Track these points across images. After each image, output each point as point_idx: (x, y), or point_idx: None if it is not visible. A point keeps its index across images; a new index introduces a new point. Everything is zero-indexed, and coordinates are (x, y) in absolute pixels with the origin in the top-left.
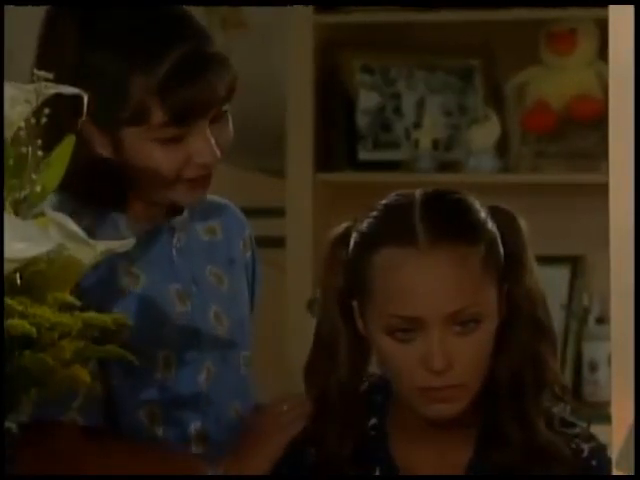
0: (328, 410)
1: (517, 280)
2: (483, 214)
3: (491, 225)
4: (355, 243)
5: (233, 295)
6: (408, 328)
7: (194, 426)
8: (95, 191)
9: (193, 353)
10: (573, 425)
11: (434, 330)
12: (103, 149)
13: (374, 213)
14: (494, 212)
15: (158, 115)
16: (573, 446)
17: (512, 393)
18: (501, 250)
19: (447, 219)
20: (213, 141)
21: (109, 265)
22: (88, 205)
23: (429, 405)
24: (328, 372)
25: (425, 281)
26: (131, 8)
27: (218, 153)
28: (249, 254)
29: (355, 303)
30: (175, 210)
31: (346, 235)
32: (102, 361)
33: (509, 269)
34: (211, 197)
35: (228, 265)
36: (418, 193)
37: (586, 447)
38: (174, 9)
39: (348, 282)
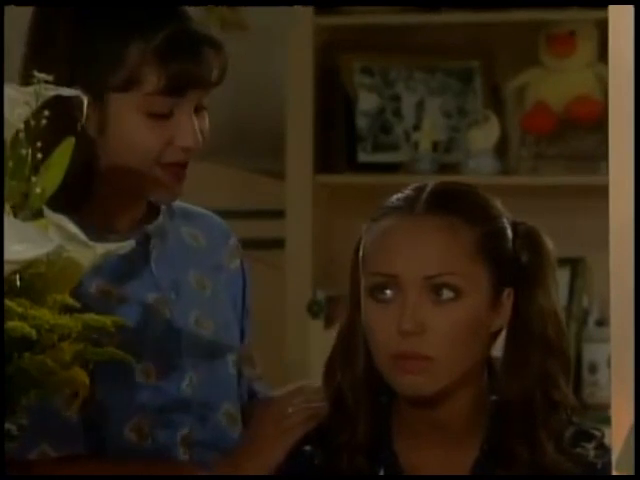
0: (343, 406)
1: (529, 295)
2: (497, 210)
3: (503, 223)
4: (366, 226)
5: (217, 300)
6: (386, 289)
7: (181, 433)
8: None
9: (174, 360)
10: (588, 438)
11: (409, 292)
12: (90, 124)
13: (391, 198)
14: (519, 225)
15: (152, 81)
16: (578, 451)
17: (521, 412)
18: (506, 249)
19: (450, 197)
20: (196, 127)
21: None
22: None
23: (401, 377)
24: (344, 370)
25: (409, 242)
26: None
27: (200, 140)
28: (237, 262)
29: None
30: (149, 216)
31: (362, 235)
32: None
33: (521, 280)
34: (192, 207)
35: (213, 271)
36: (433, 181)
37: (598, 459)
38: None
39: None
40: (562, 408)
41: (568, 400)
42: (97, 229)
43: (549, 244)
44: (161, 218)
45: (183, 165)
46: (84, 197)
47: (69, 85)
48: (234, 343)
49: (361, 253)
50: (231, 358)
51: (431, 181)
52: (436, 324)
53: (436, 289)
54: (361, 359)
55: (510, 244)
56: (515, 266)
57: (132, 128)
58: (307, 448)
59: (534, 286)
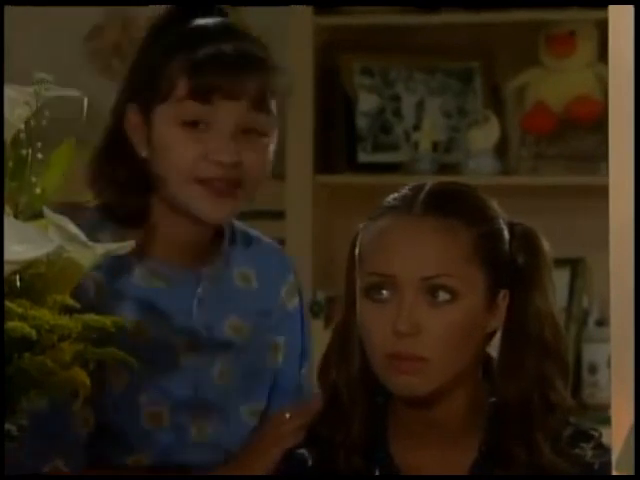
0: (338, 404)
1: (525, 297)
2: (494, 211)
3: (500, 225)
4: (363, 225)
5: (251, 347)
6: (383, 289)
7: None
8: (123, 202)
9: (188, 409)
10: (586, 438)
11: (406, 292)
12: (140, 144)
13: (388, 198)
14: (516, 226)
15: (183, 88)
16: (577, 451)
17: (518, 414)
18: (503, 251)
19: (448, 198)
20: (234, 144)
21: (115, 309)
22: (109, 221)
23: (396, 377)
24: (339, 368)
25: (406, 243)
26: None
27: (236, 157)
28: (296, 301)
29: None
30: (210, 255)
31: (358, 233)
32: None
33: (518, 282)
34: (258, 239)
35: (257, 316)
36: (431, 181)
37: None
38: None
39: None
40: (559, 410)
41: (565, 402)
42: (161, 261)
43: (545, 245)
44: (219, 261)
45: (221, 180)
46: (143, 216)
47: (127, 103)
48: (253, 394)
49: (357, 252)
50: (245, 409)
51: (428, 181)
52: (431, 326)
53: (432, 291)
54: (357, 358)
55: (507, 245)
56: (511, 267)
57: (169, 139)
58: (301, 451)
59: (530, 288)
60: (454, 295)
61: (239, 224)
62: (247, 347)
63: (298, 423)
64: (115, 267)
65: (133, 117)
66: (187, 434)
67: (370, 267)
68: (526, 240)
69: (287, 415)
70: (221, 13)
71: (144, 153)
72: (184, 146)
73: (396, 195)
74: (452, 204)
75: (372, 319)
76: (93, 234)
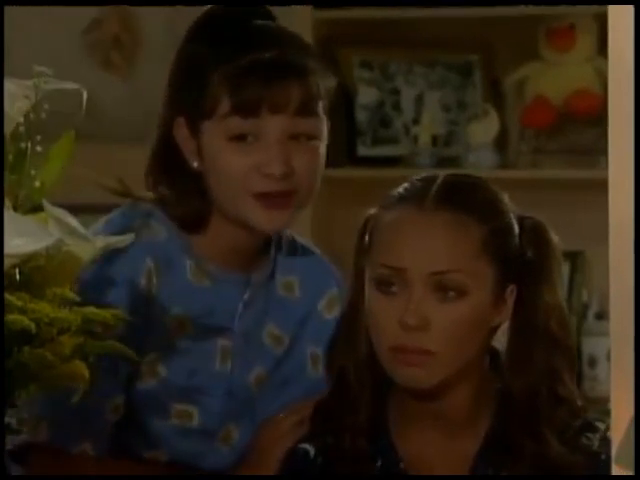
0: (346, 388)
1: (535, 290)
2: (505, 205)
3: (510, 219)
4: (374, 212)
5: (291, 356)
6: (393, 282)
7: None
8: (184, 207)
9: (218, 413)
10: (593, 429)
11: (416, 286)
12: (191, 156)
13: (399, 187)
14: (525, 219)
15: (226, 104)
16: (582, 441)
17: (526, 407)
18: (512, 246)
19: (460, 192)
20: (284, 155)
21: (163, 302)
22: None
23: (401, 369)
24: (347, 351)
25: (418, 236)
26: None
27: (286, 168)
28: (335, 313)
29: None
30: (260, 261)
31: (368, 220)
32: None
33: (527, 276)
34: (304, 248)
35: (298, 325)
36: (443, 173)
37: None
38: (274, 23)
39: (365, 256)
40: (567, 403)
41: (573, 396)
42: (212, 261)
43: (555, 239)
44: (268, 268)
45: (276, 195)
46: (205, 225)
47: (175, 116)
48: (291, 403)
49: (367, 240)
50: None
51: (440, 172)
52: (439, 320)
53: (442, 285)
54: (364, 343)
55: (516, 240)
56: (520, 262)
57: (218, 154)
58: (303, 446)
59: (540, 282)
60: (463, 291)
61: (287, 232)
62: (286, 356)
63: (295, 420)
64: (168, 262)
65: (181, 130)
66: (214, 437)
67: (381, 259)
68: (535, 234)
69: (281, 414)
70: (266, 15)
71: (196, 164)
72: (234, 160)
73: (407, 186)
74: (464, 198)
75: (380, 310)
76: (159, 230)
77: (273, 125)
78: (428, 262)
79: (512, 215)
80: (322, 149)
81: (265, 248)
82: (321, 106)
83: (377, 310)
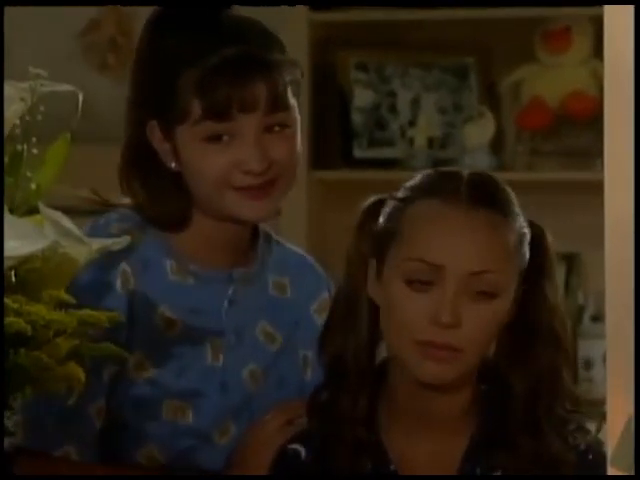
0: (343, 375)
1: (539, 291)
2: (516, 205)
3: (524, 221)
4: (392, 197)
5: (284, 356)
6: (427, 280)
7: None
8: (163, 209)
9: (213, 408)
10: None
11: (452, 284)
12: (167, 158)
13: (414, 179)
14: (529, 223)
15: (197, 109)
16: (570, 440)
17: (526, 403)
18: (527, 251)
19: (490, 191)
20: (261, 150)
21: (148, 304)
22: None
23: (422, 363)
24: (346, 337)
25: (457, 234)
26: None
27: (265, 163)
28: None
29: (373, 261)
30: (244, 258)
31: (377, 204)
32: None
33: (530, 277)
34: (294, 251)
35: (290, 326)
36: (465, 169)
37: (582, 443)
38: (236, 13)
39: (374, 242)
40: (565, 400)
41: (572, 393)
42: (193, 260)
43: (549, 238)
44: (254, 265)
45: (257, 187)
46: (185, 225)
47: (146, 119)
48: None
49: (381, 228)
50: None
51: (463, 169)
52: (471, 319)
53: (476, 285)
54: (364, 328)
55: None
56: (529, 268)
57: (196, 156)
58: (293, 446)
59: (544, 282)
60: (495, 291)
61: (277, 238)
62: (281, 355)
63: (283, 420)
64: (146, 263)
65: (155, 133)
66: (211, 434)
67: (415, 252)
68: (538, 236)
69: (269, 415)
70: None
71: (173, 165)
72: (212, 160)
73: (425, 179)
74: (498, 198)
75: (409, 306)
76: (136, 234)
77: (246, 124)
78: (467, 261)
79: (522, 217)
80: (297, 134)
81: (249, 245)
82: (291, 96)
83: (404, 305)
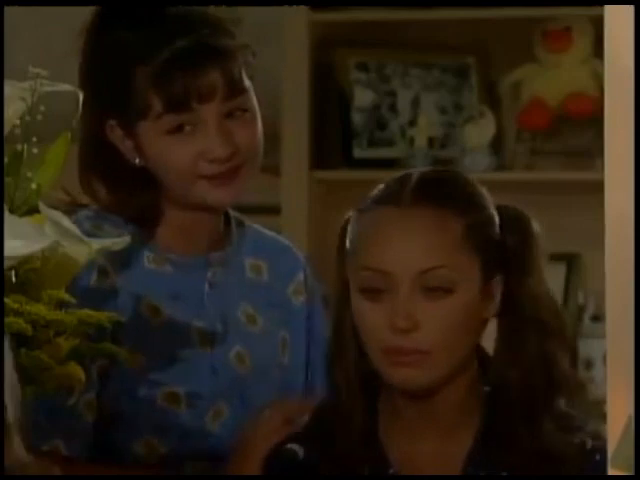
0: (337, 401)
1: (520, 280)
2: (483, 198)
3: (490, 211)
4: (356, 210)
5: (266, 338)
6: (379, 288)
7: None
8: (132, 206)
9: (205, 392)
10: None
11: (403, 288)
12: (131, 154)
13: (377, 188)
14: (504, 208)
15: (157, 104)
16: (576, 439)
17: (522, 395)
18: (494, 237)
19: (436, 187)
20: (224, 137)
21: (130, 295)
22: (123, 222)
23: (395, 370)
24: (339, 363)
25: (399, 236)
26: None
27: (230, 149)
28: (302, 299)
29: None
30: (219, 243)
31: (346, 224)
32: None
33: (510, 266)
34: (268, 234)
35: (269, 307)
36: (418, 170)
37: (589, 442)
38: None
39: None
40: (564, 386)
41: (569, 378)
42: (170, 250)
43: (535, 226)
44: (229, 248)
45: (225, 174)
46: (158, 218)
47: (104, 118)
48: (270, 387)
49: (348, 245)
50: (259, 400)
51: (416, 170)
52: (429, 319)
53: (428, 284)
54: (352, 351)
55: (497, 230)
56: (503, 252)
57: (161, 150)
58: (290, 446)
59: (524, 270)
60: (449, 287)
61: (252, 224)
62: (263, 337)
63: (281, 418)
64: (122, 257)
65: (115, 132)
66: (204, 416)
67: (363, 262)
68: (516, 222)
69: (266, 412)
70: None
71: (137, 161)
72: (177, 151)
73: (383, 186)
74: (440, 192)
75: (367, 315)
76: (104, 231)
77: (206, 113)
78: (413, 261)
79: (491, 205)
80: (257, 117)
81: (223, 231)
82: (246, 79)
83: (364, 315)
